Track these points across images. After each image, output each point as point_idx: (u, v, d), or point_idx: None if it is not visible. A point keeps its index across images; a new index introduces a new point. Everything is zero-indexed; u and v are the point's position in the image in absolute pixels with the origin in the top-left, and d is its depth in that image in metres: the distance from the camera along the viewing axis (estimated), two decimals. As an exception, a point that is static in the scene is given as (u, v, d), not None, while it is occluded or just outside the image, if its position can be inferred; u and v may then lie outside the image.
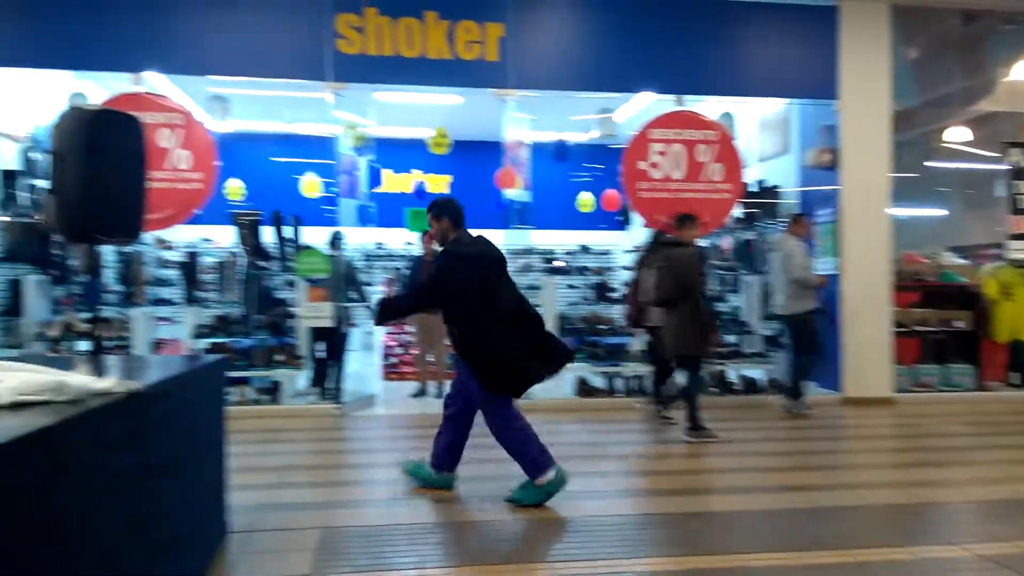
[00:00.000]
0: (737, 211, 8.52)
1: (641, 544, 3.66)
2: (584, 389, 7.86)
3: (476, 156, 12.09)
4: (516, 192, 8.17)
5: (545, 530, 3.88)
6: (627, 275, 11.13)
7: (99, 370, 2.49)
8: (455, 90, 8.34)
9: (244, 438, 5.48)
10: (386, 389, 9.01)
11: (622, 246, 12.66)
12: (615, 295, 9.31)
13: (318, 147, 10.01)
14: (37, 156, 8.04)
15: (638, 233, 11.85)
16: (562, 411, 7.33)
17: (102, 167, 3.62)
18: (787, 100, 8.56)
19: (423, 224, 9.05)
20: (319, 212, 9.40)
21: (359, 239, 11.38)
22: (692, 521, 3.98)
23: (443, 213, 4.44)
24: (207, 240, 11.03)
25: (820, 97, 7.97)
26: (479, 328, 4.22)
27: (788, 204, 8.66)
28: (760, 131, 9.70)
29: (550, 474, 4.18)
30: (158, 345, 8.35)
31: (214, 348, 7.71)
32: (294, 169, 10.77)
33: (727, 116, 8.78)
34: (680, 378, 6.38)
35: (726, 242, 9.17)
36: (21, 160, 7.80)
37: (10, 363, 2.60)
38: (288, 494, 4.47)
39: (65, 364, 2.82)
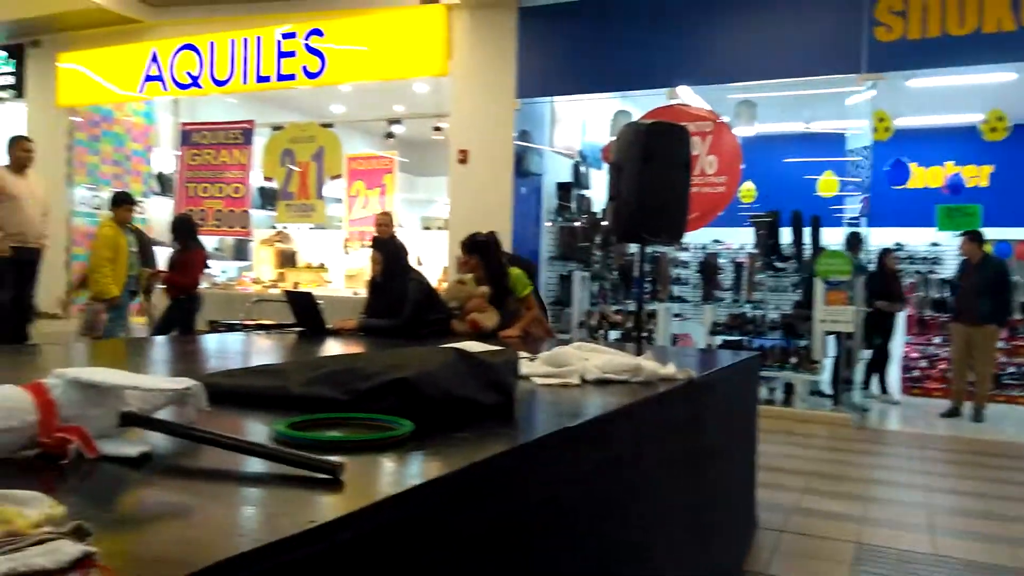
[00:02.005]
0: None
1: None
2: None
3: (1030, 141, 10.17)
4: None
5: None
6: None
7: (662, 357, 2.73)
8: (1009, 66, 7.13)
9: (760, 437, 5.54)
10: (906, 404, 8.20)
11: None
12: None
13: (835, 145, 9.55)
14: (584, 169, 9.34)
15: None
16: None
17: (654, 175, 3.99)
18: None
19: (960, 223, 8.00)
20: (836, 212, 8.98)
21: (876, 240, 10.55)
22: None
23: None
24: (717, 241, 11.46)
25: None
26: None
27: None
28: None
29: None
30: (674, 339, 8.97)
31: (726, 345, 7.95)
32: (809, 169, 10.47)
33: None
34: None
35: None
36: (572, 174, 9.14)
37: (591, 345, 3.04)
38: (814, 501, 4.36)
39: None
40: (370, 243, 4.67)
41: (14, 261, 6.14)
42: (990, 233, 9.94)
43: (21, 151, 6.40)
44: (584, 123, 9.35)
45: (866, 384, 8.23)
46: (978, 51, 6.26)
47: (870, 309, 7.94)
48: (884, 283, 8.12)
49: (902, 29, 6.43)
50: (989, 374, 7.43)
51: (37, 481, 1.10)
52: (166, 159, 10.95)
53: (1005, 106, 7.35)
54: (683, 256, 10.37)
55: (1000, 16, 6.12)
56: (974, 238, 7.39)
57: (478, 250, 4.51)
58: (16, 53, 11.01)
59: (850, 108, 7.22)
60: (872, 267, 8.26)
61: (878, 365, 8.26)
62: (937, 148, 11.51)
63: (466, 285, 4.39)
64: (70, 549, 0.76)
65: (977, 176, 11.54)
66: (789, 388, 7.42)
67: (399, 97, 10.34)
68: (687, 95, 7.83)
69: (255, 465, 1.21)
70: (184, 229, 7.18)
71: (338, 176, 9.31)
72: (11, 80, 11.07)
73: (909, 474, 5.22)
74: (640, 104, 8.35)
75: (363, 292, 8.55)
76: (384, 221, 8.06)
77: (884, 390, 8.26)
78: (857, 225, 7.73)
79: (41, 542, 0.77)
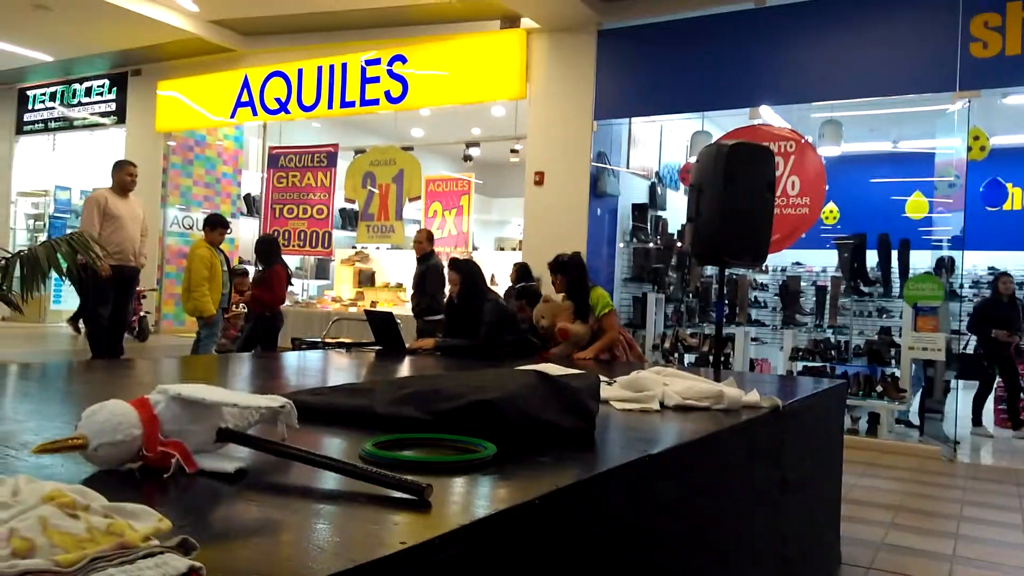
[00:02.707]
0: None
1: None
2: None
3: None
4: None
5: None
6: None
7: (743, 383, 2.67)
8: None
9: (844, 468, 5.32)
10: (1000, 438, 7.74)
11: None
12: None
13: (924, 165, 9.21)
14: (660, 190, 9.26)
15: None
16: None
17: (735, 196, 3.94)
18: None
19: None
20: (926, 234, 8.65)
21: (969, 263, 10.08)
22: None
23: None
24: (798, 264, 11.16)
25: None
26: None
27: None
28: None
29: None
30: (752, 364, 8.75)
31: (807, 371, 7.70)
32: (896, 190, 10.12)
33: None
34: None
35: None
36: (648, 195, 9.08)
37: (672, 370, 3.00)
38: (901, 536, 4.16)
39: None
40: (447, 265, 4.78)
41: (114, 279, 6.46)
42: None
43: (126, 175, 6.76)
44: (661, 143, 9.29)
45: (1018, 424, 7.60)
46: (1081, 67, 5.96)
47: (957, 334, 7.53)
48: (998, 310, 7.59)
49: (999, 45, 6.15)
50: None
51: (140, 493, 1.15)
52: (253, 181, 11.41)
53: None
54: (762, 279, 10.15)
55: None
56: None
57: (561, 269, 4.67)
58: (119, 81, 11.69)
59: (941, 127, 6.94)
60: (964, 292, 7.88)
61: (1011, 399, 7.71)
62: (1036, 168, 10.95)
63: (551, 302, 4.62)
64: (178, 563, 0.79)
65: (1080, 197, 10.93)
66: (874, 418, 7.13)
67: (477, 120, 10.52)
68: (769, 115, 7.68)
69: (342, 483, 1.24)
70: (267, 249, 7.43)
71: (417, 198, 9.50)
72: (112, 107, 11.77)
73: (1005, 511, 4.93)
74: (719, 124, 8.24)
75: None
76: (419, 238, 8.05)
77: (978, 422, 7.82)
78: (945, 248, 7.40)
79: (150, 555, 0.80)
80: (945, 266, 7.31)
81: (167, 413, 1.27)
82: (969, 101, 6.43)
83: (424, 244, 7.91)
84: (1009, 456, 6.91)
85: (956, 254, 7.28)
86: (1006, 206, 10.93)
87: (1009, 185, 10.96)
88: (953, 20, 6.30)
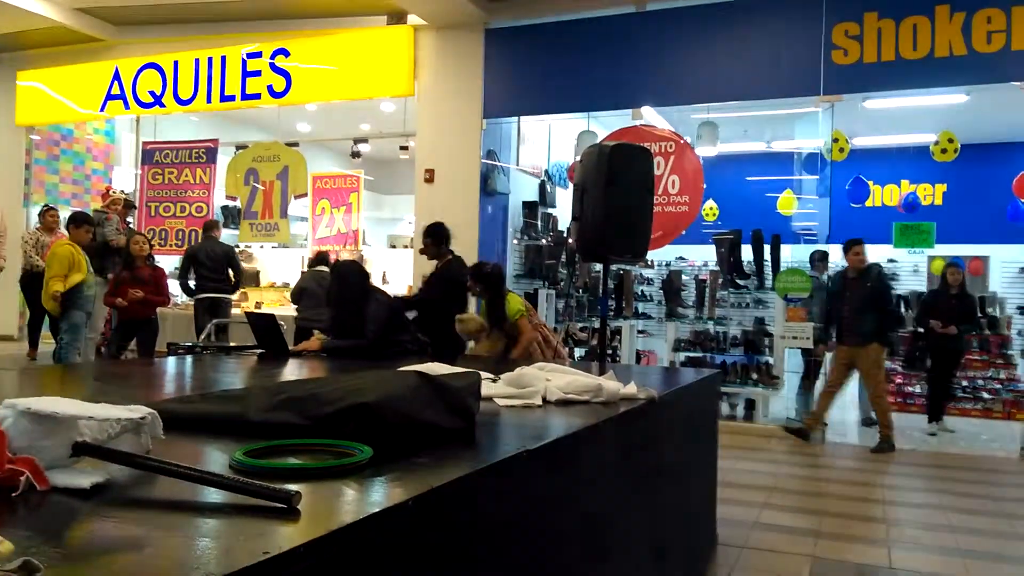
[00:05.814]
0: None
1: None
2: None
3: (980, 161, 10.52)
4: (1042, 200, 6.85)
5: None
6: None
7: (625, 376, 2.76)
8: (961, 89, 7.39)
9: (722, 452, 5.60)
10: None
11: None
12: None
13: (795, 164, 9.77)
14: (549, 188, 9.41)
15: None
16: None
17: (617, 195, 4.05)
18: None
19: (914, 240, 8.22)
20: (798, 230, 9.18)
21: (837, 257, 10.76)
22: None
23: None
24: (681, 259, 11.61)
25: None
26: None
27: None
28: None
29: None
30: (638, 356, 9.04)
31: (689, 362, 8.02)
32: (770, 187, 10.68)
33: None
34: None
35: None
36: (538, 193, 9.21)
37: (553, 365, 3.06)
38: (773, 515, 4.42)
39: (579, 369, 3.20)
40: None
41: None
42: (944, 250, 10.26)
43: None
44: (550, 142, 9.44)
45: (932, 418, 7.34)
46: (930, 74, 6.46)
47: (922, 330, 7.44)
48: (941, 301, 7.29)
49: (858, 53, 6.60)
50: (884, 402, 6.63)
51: (-15, 515, 1.09)
52: (127, 178, 10.81)
53: (956, 126, 7.59)
54: (647, 273, 10.49)
55: (951, 40, 6.32)
56: (859, 249, 6.55)
57: (483, 280, 5.10)
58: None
59: (808, 128, 7.39)
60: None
61: (935, 391, 7.41)
62: (893, 167, 11.82)
63: (464, 322, 5.13)
64: (17, 587, 0.75)
65: (931, 194, 11.87)
66: (750, 403, 7.52)
67: (366, 116, 10.35)
68: (651, 116, 7.94)
69: (211, 495, 1.21)
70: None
71: (303, 195, 9.27)
72: (-33, 97, 10.86)
73: (866, 488, 5.32)
74: (605, 124, 8.45)
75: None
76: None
77: (935, 418, 7.35)
78: (816, 242, 7.86)
79: (-13, 579, 0.76)
80: (819, 259, 7.75)
81: (15, 429, 1.20)
82: (832, 105, 6.87)
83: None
84: (871, 435, 7.42)
85: (824, 247, 7.76)
86: (868, 203, 11.73)
87: (871, 183, 11.77)
88: (817, 29, 6.72)
